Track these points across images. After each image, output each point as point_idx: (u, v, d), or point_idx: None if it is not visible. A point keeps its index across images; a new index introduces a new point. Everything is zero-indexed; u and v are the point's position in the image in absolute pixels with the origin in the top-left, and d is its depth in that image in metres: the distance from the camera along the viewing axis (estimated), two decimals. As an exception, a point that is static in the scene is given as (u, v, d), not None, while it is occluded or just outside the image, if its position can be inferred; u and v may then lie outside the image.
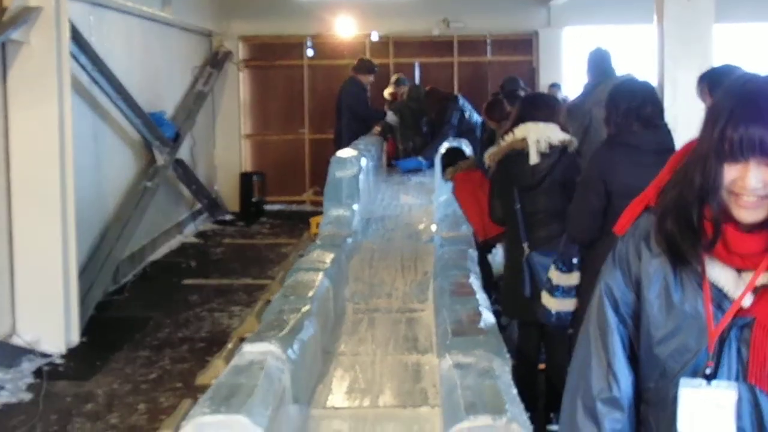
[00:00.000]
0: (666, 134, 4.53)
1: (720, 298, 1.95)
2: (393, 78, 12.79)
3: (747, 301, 1.92)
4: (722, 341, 1.96)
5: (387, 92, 12.55)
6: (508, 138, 5.27)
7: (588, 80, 7.22)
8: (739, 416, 1.95)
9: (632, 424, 2.10)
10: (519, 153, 5.19)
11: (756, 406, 1.94)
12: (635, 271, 2.07)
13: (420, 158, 11.30)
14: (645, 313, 2.05)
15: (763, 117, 1.83)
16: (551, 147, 5.14)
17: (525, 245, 5.17)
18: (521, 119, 5.29)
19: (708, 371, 1.96)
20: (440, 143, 10.18)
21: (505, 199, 5.33)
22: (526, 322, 5.42)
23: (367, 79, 11.63)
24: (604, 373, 2.09)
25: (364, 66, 11.72)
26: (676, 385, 2.00)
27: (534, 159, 5.14)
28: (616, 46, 13.34)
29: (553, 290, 4.06)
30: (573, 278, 4.59)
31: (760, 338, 1.91)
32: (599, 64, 7.20)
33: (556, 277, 4.26)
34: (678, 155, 2.10)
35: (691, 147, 2.04)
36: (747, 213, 1.88)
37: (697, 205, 1.93)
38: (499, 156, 5.29)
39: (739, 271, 1.93)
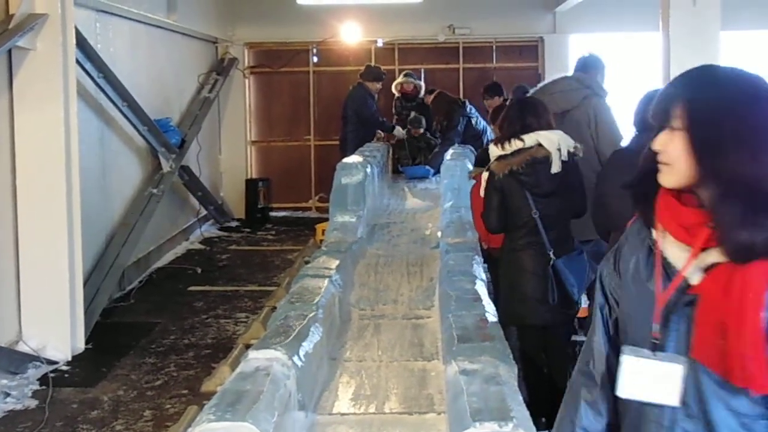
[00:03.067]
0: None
1: (671, 272, 2.04)
2: (401, 76, 12.81)
3: (695, 279, 1.99)
4: (670, 316, 2.04)
5: (393, 87, 12.55)
6: (517, 144, 5.27)
7: None
8: (684, 391, 2.02)
9: (607, 399, 2.23)
10: (541, 161, 5.22)
11: (698, 381, 2.00)
12: (622, 257, 2.21)
13: (427, 166, 11.32)
14: (623, 294, 2.19)
15: (665, 92, 2.05)
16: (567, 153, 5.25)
17: (550, 252, 5.20)
18: (527, 126, 5.30)
19: (655, 341, 2.04)
20: (446, 150, 10.18)
21: (515, 206, 5.32)
22: (528, 327, 5.41)
23: (375, 86, 11.63)
24: (587, 349, 2.29)
25: (371, 73, 11.73)
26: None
27: (556, 168, 5.20)
28: (622, 54, 13.45)
29: None
30: None
31: (703, 315, 1.97)
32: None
33: None
34: None
35: None
36: (660, 176, 2.04)
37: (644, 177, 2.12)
38: (517, 164, 5.27)
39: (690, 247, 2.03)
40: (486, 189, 5.46)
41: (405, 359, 4.87)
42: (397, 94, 12.60)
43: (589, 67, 6.91)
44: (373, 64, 12.70)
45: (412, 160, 11.72)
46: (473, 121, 10.98)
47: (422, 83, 12.87)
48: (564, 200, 5.30)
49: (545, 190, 5.27)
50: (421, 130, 11.83)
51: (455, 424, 3.16)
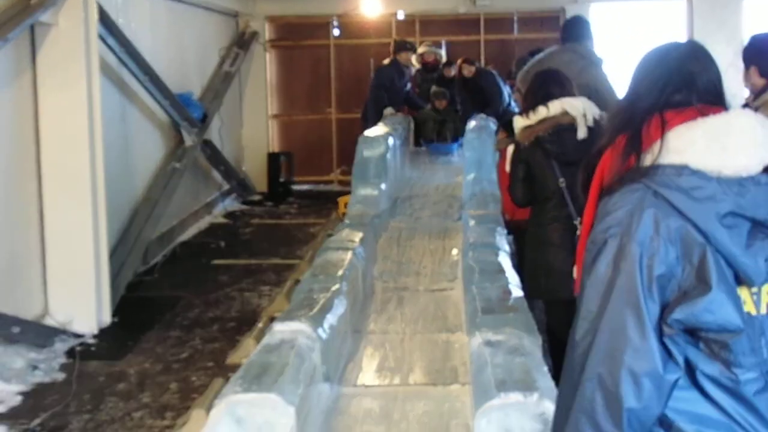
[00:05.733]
0: None
1: None
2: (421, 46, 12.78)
3: None
4: None
5: (414, 58, 12.50)
6: (542, 113, 5.21)
7: None
8: None
9: None
10: (566, 128, 5.15)
11: None
12: None
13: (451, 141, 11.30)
14: None
15: None
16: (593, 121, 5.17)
17: (577, 222, 5.14)
18: (550, 95, 5.24)
19: None
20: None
21: (541, 176, 5.27)
22: (555, 301, 5.38)
23: (405, 57, 11.46)
24: None
25: (397, 45, 11.65)
26: None
27: (582, 133, 5.12)
28: (644, 22, 13.33)
29: None
30: None
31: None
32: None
33: None
34: None
35: None
36: None
37: None
38: (543, 132, 5.21)
39: None
40: (512, 162, 5.41)
41: (429, 331, 4.88)
42: (417, 66, 12.51)
43: (579, 34, 6.72)
44: (397, 38, 12.63)
45: (437, 134, 11.58)
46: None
47: (443, 53, 12.80)
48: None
49: (571, 158, 5.18)
50: (445, 102, 11.70)
51: (480, 395, 3.17)
